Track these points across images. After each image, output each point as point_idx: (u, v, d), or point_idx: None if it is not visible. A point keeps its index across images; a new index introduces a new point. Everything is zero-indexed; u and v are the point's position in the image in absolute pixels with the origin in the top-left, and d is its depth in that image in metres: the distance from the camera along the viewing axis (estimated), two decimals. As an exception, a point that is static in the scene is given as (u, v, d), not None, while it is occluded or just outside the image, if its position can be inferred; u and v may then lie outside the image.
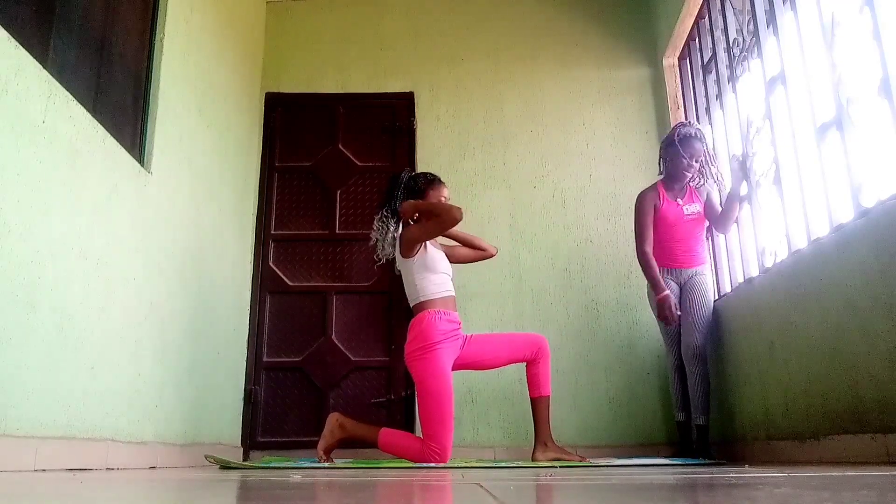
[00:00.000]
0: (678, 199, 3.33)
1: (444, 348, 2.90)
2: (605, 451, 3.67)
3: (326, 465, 2.73)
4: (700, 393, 3.21)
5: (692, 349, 3.18)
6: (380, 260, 3.06)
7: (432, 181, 3.10)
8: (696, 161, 3.25)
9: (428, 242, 3.02)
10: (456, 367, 3.01)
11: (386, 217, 3.05)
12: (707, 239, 3.75)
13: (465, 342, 3.03)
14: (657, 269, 3.27)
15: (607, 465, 2.59)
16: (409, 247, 2.96)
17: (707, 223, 3.35)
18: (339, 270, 4.11)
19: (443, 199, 3.07)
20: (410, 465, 2.76)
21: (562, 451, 2.95)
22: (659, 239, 3.34)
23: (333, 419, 2.95)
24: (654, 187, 3.41)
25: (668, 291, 3.22)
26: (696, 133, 3.27)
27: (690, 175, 3.28)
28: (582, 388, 3.83)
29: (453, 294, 3.05)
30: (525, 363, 3.05)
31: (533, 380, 3.02)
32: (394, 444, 2.87)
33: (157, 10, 2.90)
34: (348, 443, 2.97)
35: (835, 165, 2.46)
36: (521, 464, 2.86)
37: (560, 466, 2.56)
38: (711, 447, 3.40)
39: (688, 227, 3.30)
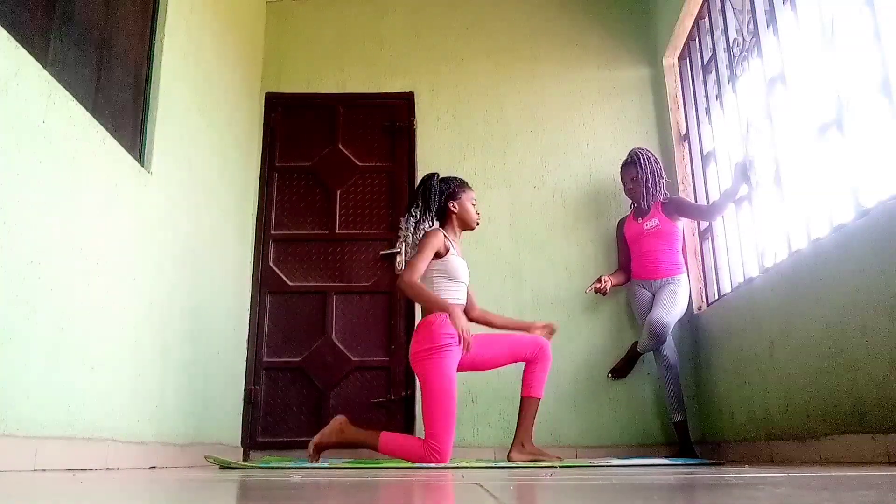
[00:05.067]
0: (638, 219, 3.68)
1: (452, 351, 2.91)
2: (605, 451, 3.67)
3: (317, 464, 2.75)
4: (671, 388, 3.42)
5: (654, 324, 3.33)
6: (394, 248, 3.12)
7: (463, 183, 3.21)
8: (632, 182, 3.69)
9: (452, 250, 3.03)
10: (458, 369, 3.02)
11: (414, 218, 3.09)
12: (707, 239, 3.75)
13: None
14: (622, 278, 3.72)
15: (607, 465, 2.59)
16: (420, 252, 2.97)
17: (676, 233, 3.60)
18: (339, 270, 4.11)
19: (473, 202, 3.18)
20: (410, 465, 2.77)
21: (539, 452, 2.98)
22: (632, 255, 3.72)
23: (337, 421, 2.97)
24: (628, 214, 3.82)
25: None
26: (629, 158, 3.73)
27: (634, 198, 3.72)
28: (582, 388, 3.83)
29: (464, 302, 3.09)
30: (524, 363, 3.06)
31: (528, 379, 3.03)
32: (394, 445, 2.88)
33: (157, 10, 2.90)
34: (344, 447, 2.98)
35: (835, 165, 2.46)
36: (520, 464, 2.87)
37: (560, 466, 2.56)
38: (696, 445, 3.44)
39: (649, 240, 3.61)
